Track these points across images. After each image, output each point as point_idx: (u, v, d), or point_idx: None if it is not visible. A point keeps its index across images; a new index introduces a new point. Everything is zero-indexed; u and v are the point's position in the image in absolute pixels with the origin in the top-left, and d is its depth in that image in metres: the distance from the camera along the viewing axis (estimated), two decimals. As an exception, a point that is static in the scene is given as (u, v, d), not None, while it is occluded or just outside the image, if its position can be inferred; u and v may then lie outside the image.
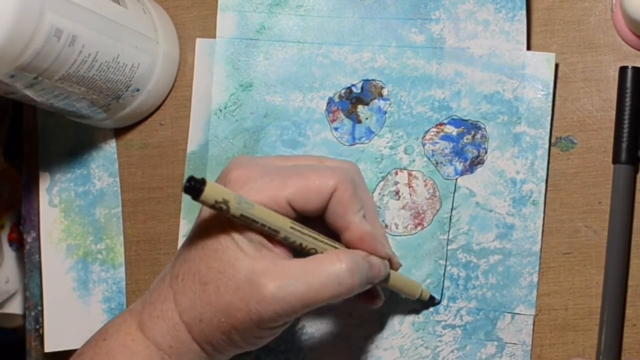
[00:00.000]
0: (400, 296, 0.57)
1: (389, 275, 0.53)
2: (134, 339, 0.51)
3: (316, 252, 0.50)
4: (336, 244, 0.51)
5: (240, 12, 0.61)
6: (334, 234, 0.51)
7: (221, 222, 0.50)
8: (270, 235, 0.49)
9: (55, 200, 0.65)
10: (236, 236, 0.49)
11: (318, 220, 0.51)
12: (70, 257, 0.64)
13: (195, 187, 0.46)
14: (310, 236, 0.50)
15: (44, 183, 0.65)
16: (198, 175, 0.47)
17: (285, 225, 0.49)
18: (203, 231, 0.50)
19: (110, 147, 0.65)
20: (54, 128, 0.66)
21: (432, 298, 0.57)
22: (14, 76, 0.52)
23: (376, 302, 0.55)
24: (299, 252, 0.50)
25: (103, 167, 0.64)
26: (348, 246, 0.51)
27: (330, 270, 0.49)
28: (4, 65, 0.50)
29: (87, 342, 0.53)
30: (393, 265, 0.54)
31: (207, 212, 0.51)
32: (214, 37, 0.61)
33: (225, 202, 0.47)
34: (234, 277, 0.49)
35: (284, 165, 0.51)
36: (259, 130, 0.60)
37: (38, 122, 0.66)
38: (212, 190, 0.47)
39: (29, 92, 0.54)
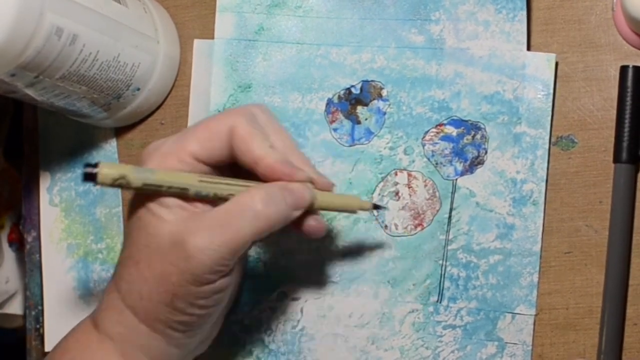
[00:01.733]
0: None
1: (317, 198, 0.52)
2: (88, 335, 0.52)
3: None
4: (252, 184, 0.51)
5: (238, 13, 0.61)
6: (256, 178, 0.51)
7: (140, 201, 0.50)
8: (183, 196, 0.50)
9: (56, 200, 0.65)
10: (154, 208, 0.50)
11: (239, 169, 0.52)
12: (71, 256, 0.65)
13: (91, 173, 0.47)
14: (223, 184, 0.50)
15: (45, 182, 0.65)
16: None
17: (193, 181, 0.50)
18: (129, 218, 0.52)
19: (111, 147, 0.65)
20: (54, 127, 0.66)
21: (376, 205, 0.56)
22: (14, 75, 0.52)
23: (316, 228, 0.53)
24: (218, 203, 0.50)
25: None
26: (265, 181, 0.51)
27: (244, 207, 0.49)
28: (4, 64, 0.50)
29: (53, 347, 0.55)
30: (322, 186, 0.53)
31: (131, 200, 0.52)
32: (214, 36, 0.61)
33: (123, 176, 0.48)
34: (159, 246, 0.49)
35: (184, 130, 0.52)
36: (258, 131, 0.60)
37: (39, 121, 0.66)
38: (108, 169, 0.48)
39: (29, 91, 0.55)
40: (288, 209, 0.50)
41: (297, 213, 0.51)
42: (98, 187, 0.56)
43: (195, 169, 0.50)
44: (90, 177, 0.48)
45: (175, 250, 0.49)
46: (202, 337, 0.55)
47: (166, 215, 0.50)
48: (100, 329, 0.52)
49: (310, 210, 0.52)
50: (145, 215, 0.50)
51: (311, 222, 0.53)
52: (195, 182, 0.50)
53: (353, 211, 0.55)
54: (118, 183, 0.48)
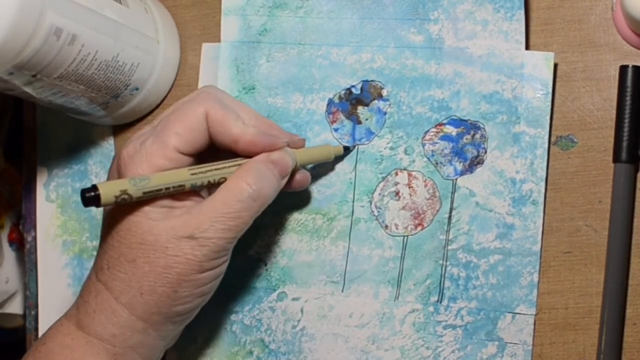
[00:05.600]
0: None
1: (296, 158, 0.55)
2: (73, 337, 0.52)
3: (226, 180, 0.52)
4: (239, 161, 0.53)
5: (242, 15, 0.61)
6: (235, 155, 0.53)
7: (123, 206, 0.51)
8: (180, 192, 0.51)
9: (52, 196, 0.65)
10: (144, 208, 0.51)
11: (216, 152, 0.53)
12: (66, 253, 0.65)
13: (92, 197, 0.48)
14: (213, 169, 0.52)
15: (42, 178, 0.65)
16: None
17: (186, 176, 0.51)
18: (111, 219, 0.52)
19: (108, 144, 0.65)
20: (52, 124, 0.66)
21: (346, 149, 0.59)
22: (12, 73, 0.52)
23: (305, 182, 0.57)
24: (213, 189, 0.52)
25: (100, 164, 0.65)
26: (247, 157, 0.53)
27: (239, 192, 0.51)
28: (2, 63, 0.50)
29: (28, 351, 0.54)
30: (296, 144, 0.56)
31: (110, 209, 0.52)
32: (214, 36, 0.62)
33: (124, 191, 0.49)
34: (158, 242, 0.50)
35: (155, 125, 0.53)
36: (261, 132, 0.61)
37: (37, 118, 0.66)
38: (108, 189, 0.48)
39: (27, 89, 0.55)
40: (277, 180, 0.53)
41: (285, 179, 0.54)
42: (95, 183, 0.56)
43: (180, 162, 0.52)
44: (92, 201, 0.48)
45: (177, 242, 0.50)
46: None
47: (159, 215, 0.51)
48: (88, 331, 0.52)
49: (294, 169, 0.55)
50: (136, 218, 0.51)
51: (297, 177, 0.56)
52: (188, 176, 0.51)
53: (329, 159, 0.58)
54: (121, 199, 0.49)
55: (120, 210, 0.51)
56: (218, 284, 0.54)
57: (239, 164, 0.53)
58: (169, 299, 0.51)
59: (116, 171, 0.52)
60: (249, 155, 0.53)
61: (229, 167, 0.53)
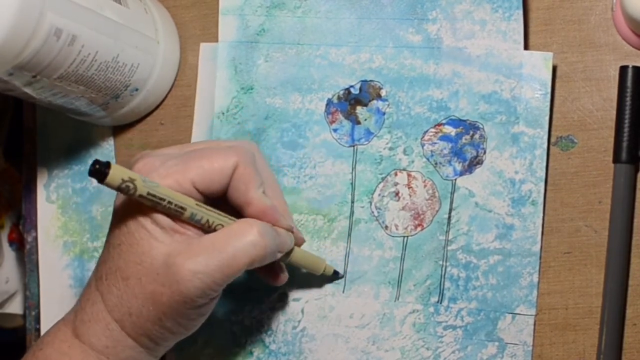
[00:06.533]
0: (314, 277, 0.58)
1: (293, 249, 0.55)
2: (70, 345, 0.52)
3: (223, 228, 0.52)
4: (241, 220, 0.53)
5: (240, 15, 0.61)
6: (237, 214, 0.53)
7: (132, 216, 0.51)
8: (178, 214, 0.50)
9: (53, 197, 0.65)
10: (148, 226, 0.50)
11: (221, 202, 0.52)
12: (67, 254, 0.65)
13: (100, 170, 0.47)
14: (216, 214, 0.52)
15: (42, 179, 0.66)
16: None
17: (191, 203, 0.50)
18: (117, 230, 0.52)
19: (108, 145, 0.65)
20: (52, 124, 0.66)
21: (335, 273, 0.58)
22: (12, 74, 0.52)
23: (281, 278, 0.56)
24: (207, 231, 0.52)
25: None
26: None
27: (243, 234, 0.50)
28: (2, 64, 0.50)
29: (25, 355, 0.54)
30: (297, 241, 0.55)
31: (119, 212, 0.52)
32: (214, 36, 0.62)
33: (132, 180, 0.48)
34: (152, 265, 0.50)
35: (185, 151, 0.53)
36: (260, 133, 0.60)
37: (37, 118, 0.66)
38: (118, 171, 0.48)
39: (27, 90, 0.55)
40: (275, 249, 0.52)
41: (279, 255, 0.53)
42: (95, 184, 0.56)
43: (190, 195, 0.51)
44: (97, 174, 0.47)
45: (168, 271, 0.50)
46: None
47: (160, 236, 0.50)
48: (83, 339, 0.52)
49: (282, 260, 0.55)
50: (138, 232, 0.50)
51: (278, 272, 0.56)
52: (193, 204, 0.51)
53: (316, 272, 0.58)
54: (125, 186, 0.48)
55: (127, 222, 0.51)
56: (204, 320, 0.53)
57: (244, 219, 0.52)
58: (155, 325, 0.51)
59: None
60: None
61: (231, 219, 0.52)
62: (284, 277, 0.57)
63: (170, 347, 0.54)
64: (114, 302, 0.51)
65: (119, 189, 0.48)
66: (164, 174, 0.50)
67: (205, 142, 0.55)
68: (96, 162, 0.47)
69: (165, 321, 0.51)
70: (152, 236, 0.50)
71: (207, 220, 0.51)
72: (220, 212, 0.52)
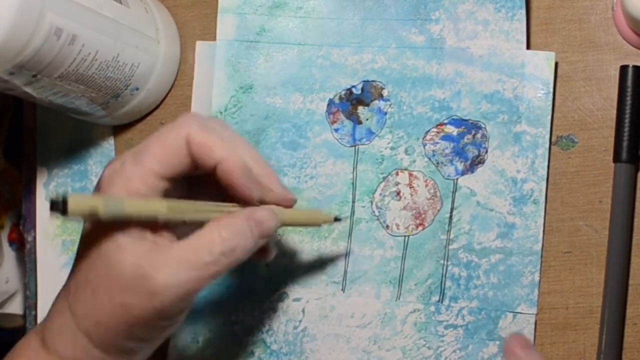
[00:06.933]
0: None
1: (282, 217, 0.52)
2: (38, 356, 0.51)
3: (202, 224, 0.49)
4: (222, 206, 0.50)
5: (240, 14, 0.61)
6: (226, 191, 0.51)
7: (101, 227, 0.49)
8: (151, 222, 0.48)
9: (52, 196, 0.65)
10: (116, 236, 0.48)
11: (208, 183, 0.51)
12: (65, 253, 0.65)
13: (58, 206, 0.45)
14: (192, 209, 0.49)
15: (42, 178, 0.65)
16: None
17: (162, 208, 0.48)
18: (86, 241, 0.50)
19: (109, 144, 0.65)
20: (52, 124, 0.66)
21: (336, 219, 0.57)
22: (13, 73, 0.52)
23: (266, 255, 0.54)
24: (189, 227, 0.50)
25: (100, 163, 0.64)
26: (227, 191, 0.50)
27: (211, 243, 0.48)
28: (3, 63, 0.50)
29: None
30: (286, 202, 0.53)
31: (88, 223, 0.50)
32: (215, 36, 0.61)
33: (94, 209, 0.46)
34: (121, 277, 0.48)
35: (138, 147, 0.50)
36: (259, 132, 0.60)
37: (37, 118, 0.66)
38: (78, 203, 0.46)
39: (27, 89, 0.55)
40: (254, 240, 0.50)
41: (263, 241, 0.51)
42: (95, 183, 0.55)
43: (159, 187, 0.49)
44: (57, 209, 0.45)
45: (138, 283, 0.48)
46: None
47: (128, 245, 0.48)
48: (51, 350, 0.51)
49: (272, 237, 0.53)
50: (106, 245, 0.49)
51: (264, 249, 0.53)
52: (164, 209, 0.48)
53: (316, 225, 0.56)
54: (89, 214, 0.47)
55: (95, 233, 0.49)
56: (178, 328, 0.52)
57: (222, 210, 0.50)
58: (123, 336, 0.50)
59: (100, 181, 0.50)
60: (232, 195, 0.51)
61: (210, 211, 0.50)
62: (269, 254, 0.55)
63: (144, 357, 0.53)
64: (82, 313, 0.50)
65: (84, 218, 0.47)
66: (126, 176, 0.49)
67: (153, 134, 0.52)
68: (52, 200, 0.45)
69: (136, 331, 0.50)
70: (120, 247, 0.48)
71: (184, 221, 0.50)
72: (199, 204, 0.50)
